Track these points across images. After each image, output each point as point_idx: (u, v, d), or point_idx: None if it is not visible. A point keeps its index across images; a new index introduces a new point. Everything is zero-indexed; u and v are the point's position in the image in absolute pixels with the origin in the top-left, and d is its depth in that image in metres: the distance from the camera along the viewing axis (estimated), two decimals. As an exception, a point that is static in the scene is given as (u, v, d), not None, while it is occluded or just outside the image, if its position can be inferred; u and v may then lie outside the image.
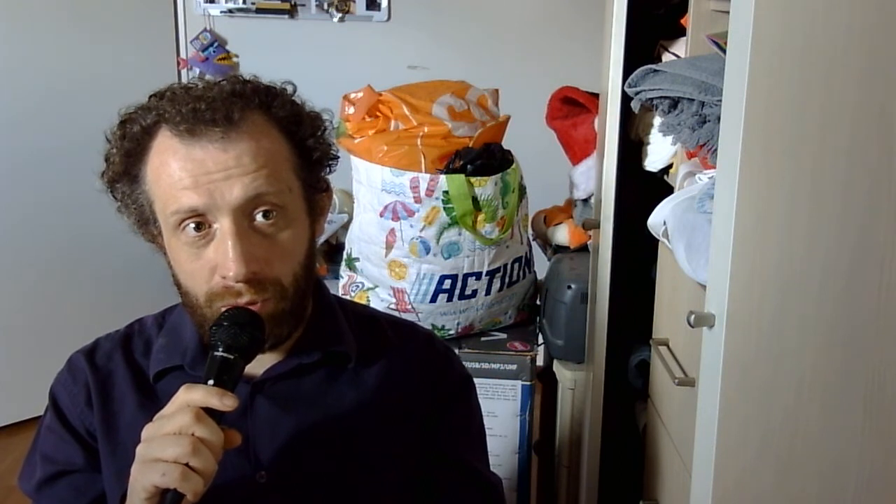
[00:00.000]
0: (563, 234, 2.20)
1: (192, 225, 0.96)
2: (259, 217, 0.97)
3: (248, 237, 0.96)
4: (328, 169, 1.09)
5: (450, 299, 1.91)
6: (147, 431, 0.90)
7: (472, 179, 1.83)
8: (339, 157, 1.11)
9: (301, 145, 1.03)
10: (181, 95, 0.99)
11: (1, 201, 3.05)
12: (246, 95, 0.99)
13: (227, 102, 0.97)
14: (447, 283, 1.89)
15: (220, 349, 0.94)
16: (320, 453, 1.07)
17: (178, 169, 0.96)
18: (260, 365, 1.05)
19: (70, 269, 3.23)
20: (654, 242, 1.53)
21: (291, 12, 3.44)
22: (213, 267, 0.97)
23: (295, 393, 1.07)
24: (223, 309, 0.97)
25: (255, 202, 0.96)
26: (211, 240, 0.97)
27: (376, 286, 1.94)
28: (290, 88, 1.05)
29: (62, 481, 1.09)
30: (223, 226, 0.96)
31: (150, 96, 1.02)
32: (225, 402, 0.89)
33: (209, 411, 0.89)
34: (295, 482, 1.05)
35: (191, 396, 0.89)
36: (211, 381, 0.92)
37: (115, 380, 1.10)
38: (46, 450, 1.11)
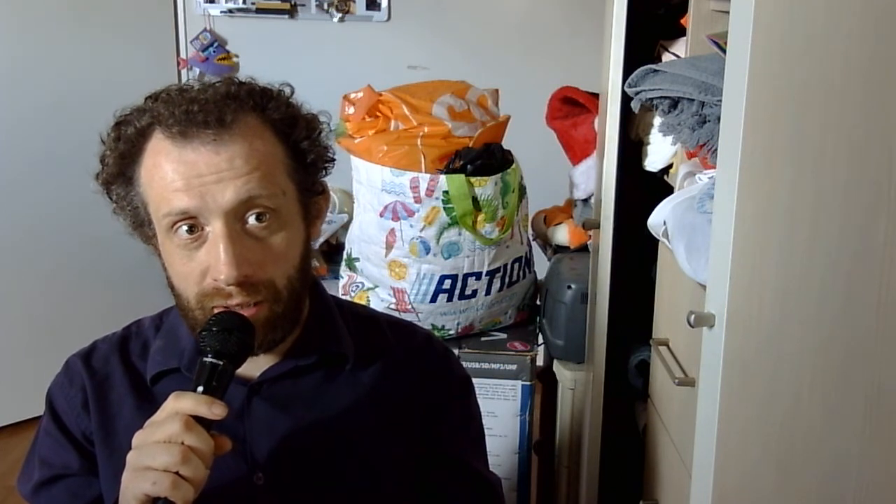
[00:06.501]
0: (563, 234, 2.20)
1: (185, 227, 0.96)
2: (252, 220, 0.97)
3: (240, 240, 0.96)
4: (324, 172, 1.08)
5: (450, 299, 1.91)
6: (137, 439, 0.89)
7: (472, 179, 1.83)
8: (335, 160, 1.10)
9: (296, 148, 1.02)
10: (175, 97, 0.98)
11: (2, 204, 3.05)
12: (240, 97, 0.99)
13: (220, 104, 0.96)
14: (447, 283, 1.89)
15: (210, 355, 0.93)
16: (318, 454, 1.06)
17: (170, 171, 0.95)
18: (257, 366, 1.05)
19: (70, 270, 3.22)
20: (654, 242, 1.53)
21: (291, 12, 3.44)
22: (205, 269, 0.96)
23: (292, 394, 1.07)
24: (214, 310, 0.97)
25: (248, 205, 0.96)
26: (203, 242, 0.96)
27: (376, 286, 1.94)
28: (287, 90, 1.05)
29: (59, 485, 1.09)
30: (215, 228, 0.95)
31: (146, 98, 1.01)
32: (214, 410, 0.88)
33: (199, 418, 0.88)
34: (292, 483, 1.05)
35: (180, 405, 0.88)
36: (200, 389, 0.91)
37: (113, 383, 1.09)
38: (43, 453, 1.11)
